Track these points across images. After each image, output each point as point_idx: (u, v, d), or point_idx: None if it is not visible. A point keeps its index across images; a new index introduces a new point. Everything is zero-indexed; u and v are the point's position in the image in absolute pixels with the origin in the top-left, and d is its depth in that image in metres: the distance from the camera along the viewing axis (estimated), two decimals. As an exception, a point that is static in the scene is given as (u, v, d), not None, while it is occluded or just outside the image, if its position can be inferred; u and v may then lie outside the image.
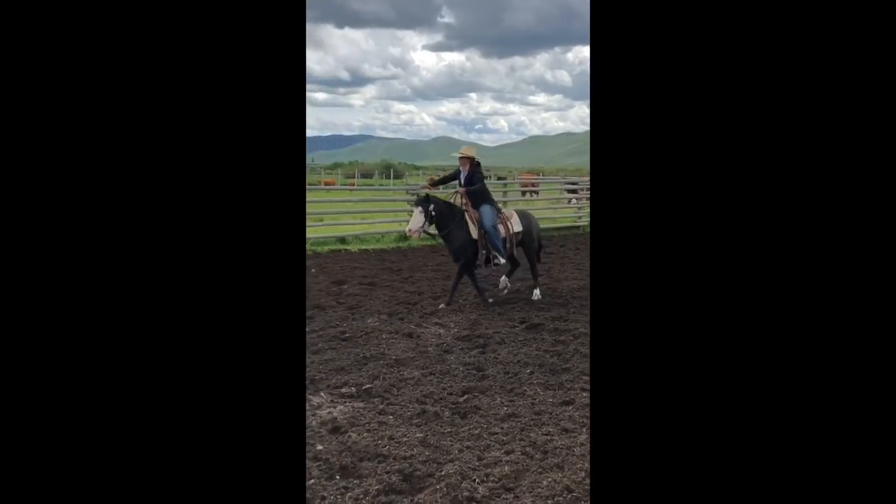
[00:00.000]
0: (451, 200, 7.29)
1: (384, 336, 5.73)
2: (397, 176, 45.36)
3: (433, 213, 6.96)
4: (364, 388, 4.32)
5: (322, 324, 6.20)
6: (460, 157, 7.28)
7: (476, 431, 3.59)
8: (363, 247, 12.29)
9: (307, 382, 4.38)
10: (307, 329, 6.00)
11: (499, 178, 24.95)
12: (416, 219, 6.94)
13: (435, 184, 8.19)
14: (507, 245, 7.32)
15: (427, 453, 3.28)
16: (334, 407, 3.97)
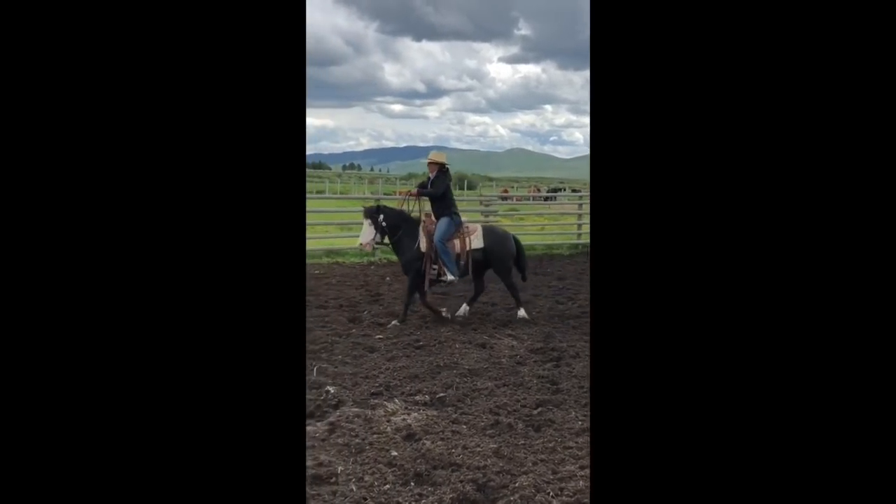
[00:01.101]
0: (403, 206, 6.92)
1: (457, 346, 5.75)
2: (471, 187, 45.56)
3: (383, 223, 6.62)
4: (438, 396, 4.35)
5: (396, 331, 6.28)
6: (429, 163, 6.96)
7: (550, 445, 3.55)
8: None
9: (382, 389, 4.45)
10: (382, 336, 6.10)
11: (574, 191, 24.70)
12: (366, 231, 6.63)
13: (420, 193, 7.17)
14: (461, 263, 6.70)
15: (501, 464, 3.27)
16: (408, 414, 4.01)
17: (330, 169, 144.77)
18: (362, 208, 7.10)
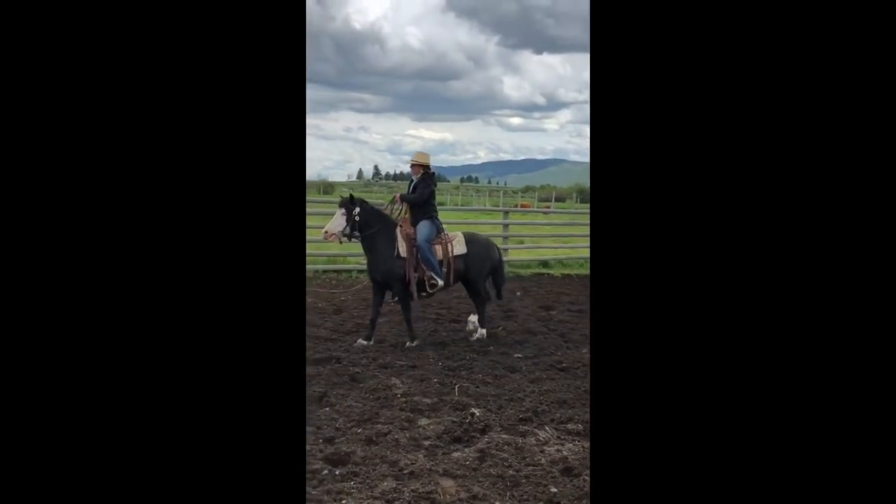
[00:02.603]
0: (386, 209, 6.33)
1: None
2: (585, 200, 44.53)
3: (357, 217, 5.98)
4: (591, 425, 4.01)
5: (535, 350, 5.99)
6: (412, 164, 6.33)
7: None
8: (566, 271, 11.98)
9: (530, 414, 4.17)
10: (520, 354, 5.83)
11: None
12: (337, 221, 5.98)
13: (403, 199, 6.45)
14: (443, 270, 6.15)
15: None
16: (562, 444, 3.70)
17: (448, 181, 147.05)
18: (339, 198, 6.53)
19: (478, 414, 4.11)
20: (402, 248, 6.05)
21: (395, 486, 3.07)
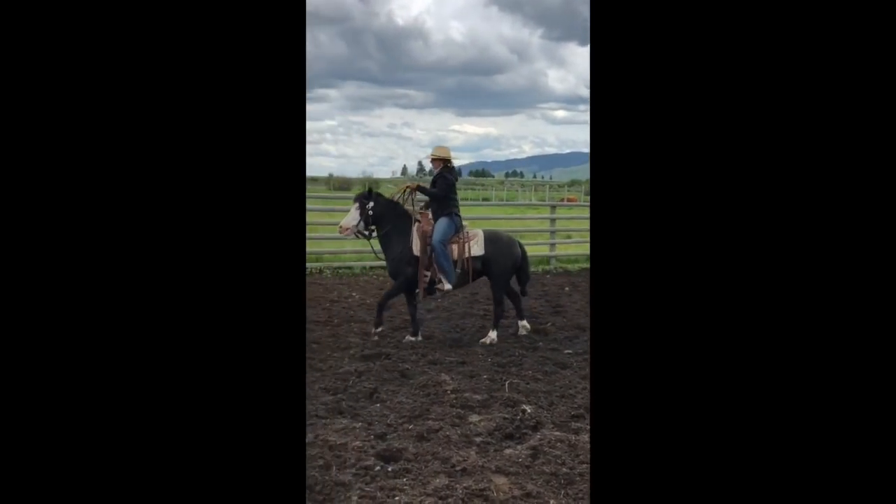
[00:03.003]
0: (398, 198, 6.21)
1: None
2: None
3: (370, 211, 5.94)
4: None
5: (585, 346, 5.91)
6: (432, 159, 6.17)
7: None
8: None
9: (582, 411, 4.11)
10: (570, 350, 5.76)
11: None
12: (351, 216, 5.98)
13: (420, 190, 6.39)
14: (458, 269, 5.97)
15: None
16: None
17: (493, 177, 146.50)
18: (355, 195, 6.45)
19: (529, 411, 4.08)
20: (416, 246, 5.94)
21: (447, 482, 3.06)
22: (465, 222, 6.23)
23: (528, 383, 4.73)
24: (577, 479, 3.13)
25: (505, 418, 3.94)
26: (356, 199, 6.06)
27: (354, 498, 2.87)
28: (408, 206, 6.20)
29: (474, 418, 4.00)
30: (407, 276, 5.96)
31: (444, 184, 6.02)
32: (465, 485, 3.03)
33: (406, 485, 3.03)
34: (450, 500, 2.88)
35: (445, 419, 3.93)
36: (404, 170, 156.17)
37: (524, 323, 6.41)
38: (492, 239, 6.20)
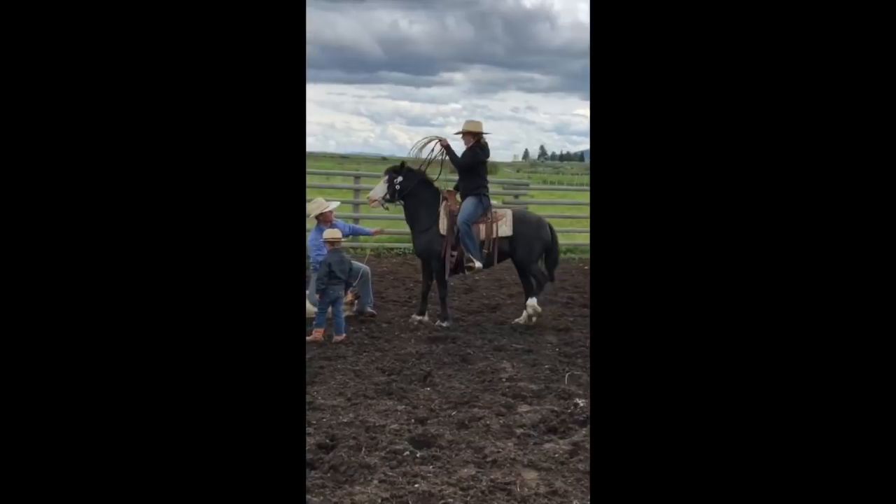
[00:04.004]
0: (424, 151, 6.02)
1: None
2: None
3: (398, 185, 5.88)
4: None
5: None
6: (464, 133, 5.89)
7: None
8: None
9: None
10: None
11: None
12: (379, 188, 6.01)
13: (448, 151, 6.04)
14: (485, 251, 5.81)
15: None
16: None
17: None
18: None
19: (581, 405, 3.92)
20: (443, 225, 5.85)
21: (474, 473, 2.99)
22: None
23: (590, 376, 4.55)
24: (612, 480, 2.96)
25: (553, 411, 3.81)
26: (386, 172, 6.11)
27: (375, 481, 2.86)
28: (423, 153, 6.07)
29: (522, 409, 3.90)
30: (436, 255, 5.90)
31: (471, 158, 5.87)
32: (491, 477, 2.95)
33: (430, 472, 2.98)
34: (471, 491, 2.82)
35: (492, 408, 3.85)
36: (526, 154, 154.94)
37: (533, 302, 6.02)
38: (521, 219, 6.02)
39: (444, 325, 5.86)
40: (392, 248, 10.36)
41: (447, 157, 6.00)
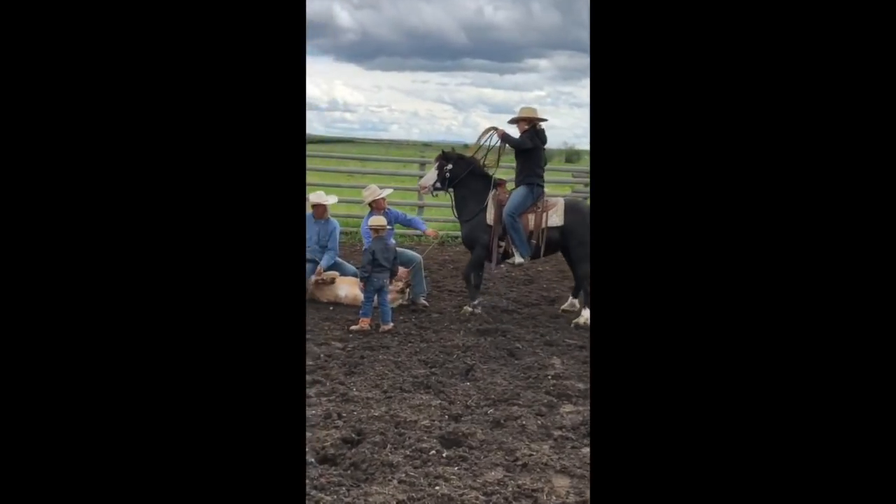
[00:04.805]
0: (478, 150, 5.91)
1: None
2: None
3: (447, 173, 5.83)
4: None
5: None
6: (519, 120, 5.71)
7: None
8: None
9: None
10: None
11: None
12: (429, 174, 6.06)
13: (505, 137, 5.82)
14: (533, 242, 5.59)
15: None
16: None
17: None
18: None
19: (629, 407, 3.67)
20: (490, 215, 5.69)
21: (501, 477, 2.83)
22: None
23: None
24: (649, 493, 2.73)
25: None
26: (437, 159, 6.06)
27: (395, 481, 2.74)
28: (490, 167, 5.92)
29: (565, 409, 3.69)
30: (483, 244, 5.73)
31: (526, 140, 5.70)
32: (519, 482, 2.78)
33: (455, 474, 2.83)
34: (494, 497, 2.65)
35: (532, 406, 3.67)
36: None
37: (575, 301, 5.91)
38: (573, 208, 5.71)
39: (474, 310, 5.73)
40: (456, 237, 10.23)
41: (505, 146, 5.84)
